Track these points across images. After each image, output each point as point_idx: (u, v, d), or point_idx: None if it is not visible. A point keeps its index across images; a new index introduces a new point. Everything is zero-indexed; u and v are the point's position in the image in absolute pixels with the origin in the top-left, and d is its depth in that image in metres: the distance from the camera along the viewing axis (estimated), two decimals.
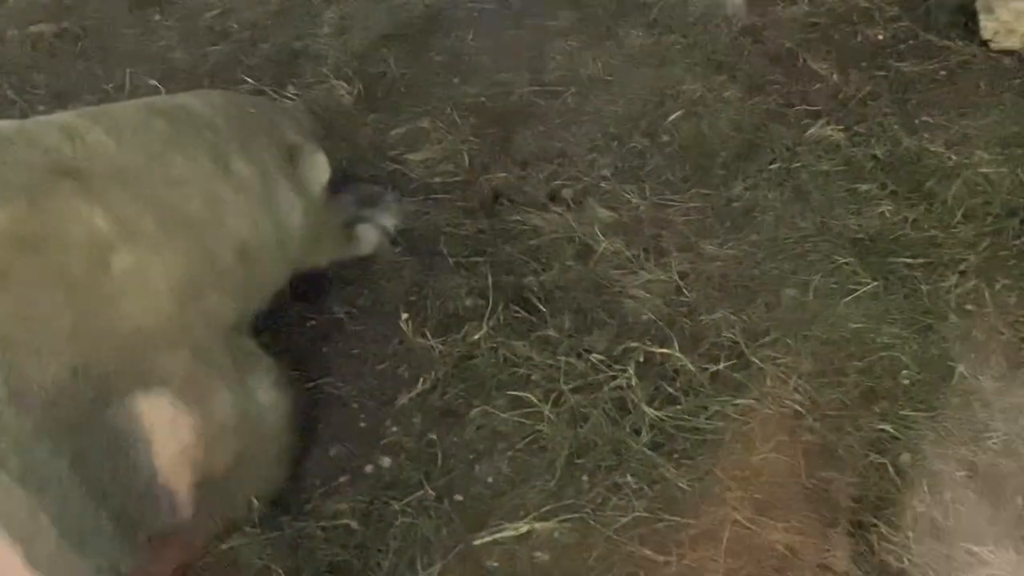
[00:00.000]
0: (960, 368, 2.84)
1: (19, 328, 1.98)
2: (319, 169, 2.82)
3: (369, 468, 2.71)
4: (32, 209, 2.06)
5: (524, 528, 2.54)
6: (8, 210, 2.03)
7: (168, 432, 2.17)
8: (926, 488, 2.59)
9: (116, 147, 2.25)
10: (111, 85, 3.92)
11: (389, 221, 3.26)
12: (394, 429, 2.80)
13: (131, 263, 2.13)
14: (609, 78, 3.97)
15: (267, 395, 2.50)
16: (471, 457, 2.73)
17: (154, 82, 3.88)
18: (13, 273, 2.00)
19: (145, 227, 2.19)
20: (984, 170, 3.37)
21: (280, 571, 2.45)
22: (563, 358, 2.91)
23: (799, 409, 2.76)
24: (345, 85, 3.87)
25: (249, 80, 3.90)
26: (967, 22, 3.96)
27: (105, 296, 2.11)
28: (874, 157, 3.49)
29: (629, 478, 2.65)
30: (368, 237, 3.20)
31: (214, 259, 2.35)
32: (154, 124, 2.40)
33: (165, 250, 2.22)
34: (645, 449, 2.70)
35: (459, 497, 2.63)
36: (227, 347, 2.40)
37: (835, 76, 3.79)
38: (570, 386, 2.84)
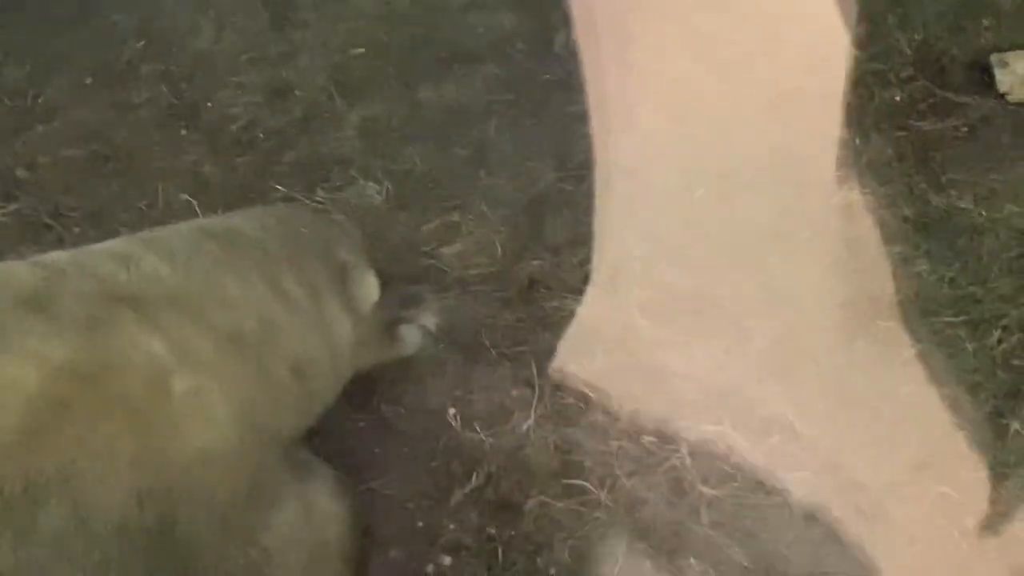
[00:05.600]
0: (1015, 425, 2.83)
1: (83, 458, 1.99)
2: (369, 287, 2.84)
3: (431, 568, 2.72)
4: (91, 339, 2.08)
5: None
6: (68, 342, 2.05)
7: None
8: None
9: (171, 272, 2.28)
10: (144, 203, 3.95)
11: (430, 320, 3.26)
12: (452, 527, 2.80)
13: (190, 387, 2.15)
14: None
15: (328, 505, 2.49)
16: (531, 549, 2.73)
17: (186, 197, 3.92)
18: (75, 404, 2.01)
19: (202, 350, 2.21)
20: (1016, 224, 3.38)
21: None
22: (615, 442, 2.92)
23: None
24: (374, 185, 3.91)
25: (279, 187, 3.94)
26: (982, 77, 3.98)
27: (166, 421, 2.12)
28: (904, 218, 3.49)
29: (692, 560, 2.64)
30: (411, 338, 3.20)
31: (270, 378, 2.37)
32: (206, 247, 2.42)
33: (222, 372, 2.23)
34: (706, 529, 2.69)
35: None
36: (286, 462, 2.41)
37: (857, 140, 3.81)
38: (624, 470, 2.84)
